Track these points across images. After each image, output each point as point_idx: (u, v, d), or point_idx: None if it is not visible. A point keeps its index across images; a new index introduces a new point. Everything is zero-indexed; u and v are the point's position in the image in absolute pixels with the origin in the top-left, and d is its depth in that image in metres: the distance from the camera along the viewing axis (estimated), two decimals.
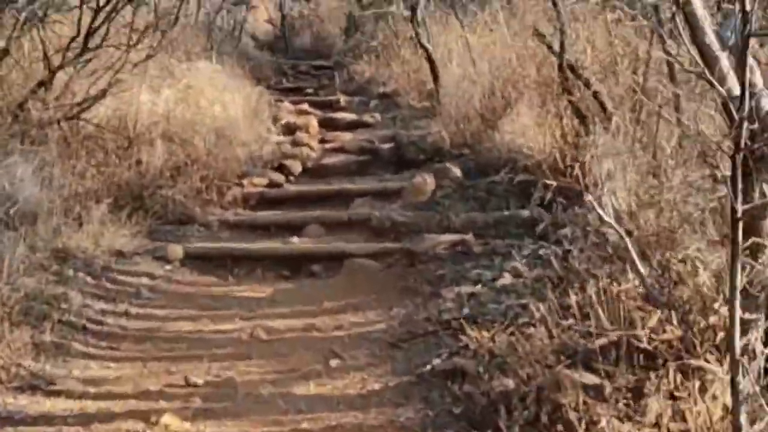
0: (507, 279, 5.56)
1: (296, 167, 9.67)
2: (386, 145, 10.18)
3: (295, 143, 10.37)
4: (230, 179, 8.95)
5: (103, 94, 8.72)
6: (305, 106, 13.98)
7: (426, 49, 11.79)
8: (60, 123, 8.46)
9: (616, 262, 4.91)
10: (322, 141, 10.84)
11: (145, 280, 6.55)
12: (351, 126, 12.32)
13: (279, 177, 9.22)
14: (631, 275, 4.59)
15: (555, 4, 7.76)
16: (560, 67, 7.84)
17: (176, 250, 7.01)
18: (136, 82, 9.55)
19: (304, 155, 9.95)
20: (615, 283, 4.61)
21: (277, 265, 6.85)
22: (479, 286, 5.54)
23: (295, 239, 7.38)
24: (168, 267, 6.87)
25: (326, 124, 12.30)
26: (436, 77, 11.74)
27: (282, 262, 6.85)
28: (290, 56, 19.06)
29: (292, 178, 9.56)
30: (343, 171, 9.63)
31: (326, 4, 20.41)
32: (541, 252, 6.02)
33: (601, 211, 3.91)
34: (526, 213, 6.90)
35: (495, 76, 10.26)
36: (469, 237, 6.34)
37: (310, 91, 15.88)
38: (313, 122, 11.27)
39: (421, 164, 9.48)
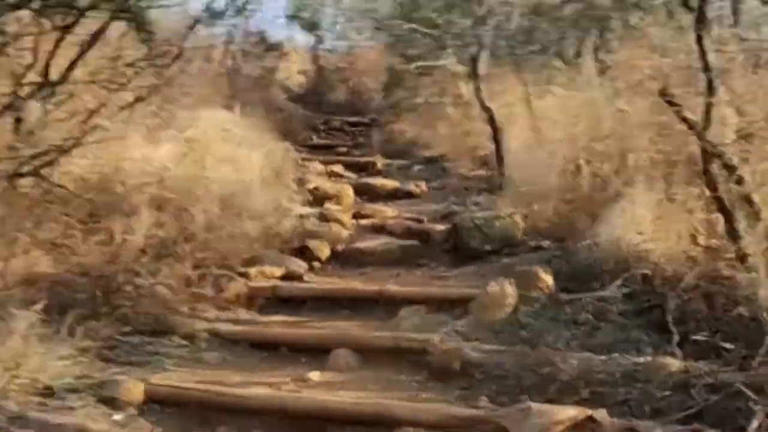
0: None
1: (323, 251, 7.07)
2: (439, 227, 7.57)
3: (324, 217, 7.79)
4: (234, 266, 6.37)
5: (74, 144, 6.24)
6: (337, 168, 11.50)
7: (488, 110, 9.24)
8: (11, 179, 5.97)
9: None
10: (358, 215, 8.24)
11: None
12: (392, 196, 9.78)
13: (299, 265, 6.62)
14: None
15: (701, 46, 5.17)
16: (702, 141, 5.26)
17: (134, 389, 4.37)
18: (127, 132, 7.14)
19: (335, 234, 7.36)
20: None
21: (286, 427, 4.17)
22: None
23: (314, 375, 4.70)
24: (118, 417, 4.23)
25: (362, 191, 9.77)
26: (498, 143, 9.18)
27: (292, 424, 4.17)
28: (323, 110, 16.64)
29: (317, 264, 6.96)
30: (383, 260, 7.02)
31: (365, 56, 17.98)
32: None
33: None
34: (674, 363, 4.23)
35: (582, 147, 7.68)
36: (603, 415, 3.66)
37: (343, 150, 13.39)
38: (347, 191, 8.70)
39: (486, 257, 6.86)
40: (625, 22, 10.70)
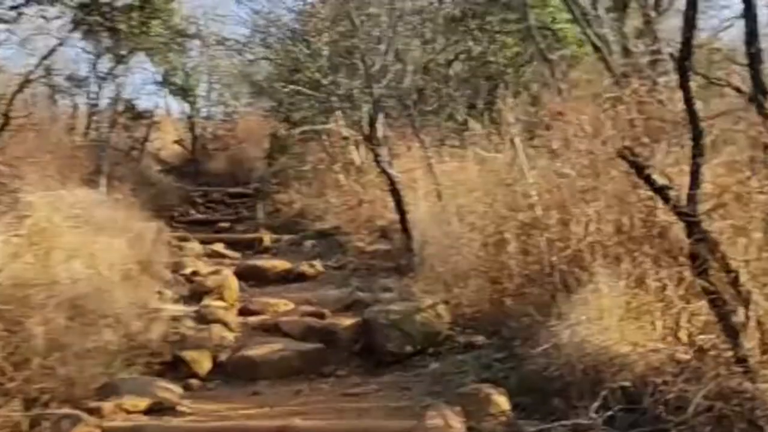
0: None
1: (203, 364, 5.44)
2: (345, 321, 6.05)
3: (203, 318, 6.14)
4: (83, 397, 4.67)
5: None
6: (219, 247, 9.90)
7: (389, 176, 7.85)
8: None
9: None
10: (244, 311, 6.62)
11: None
12: (283, 279, 8.24)
13: (170, 390, 4.91)
14: None
15: (687, 90, 3.87)
16: (686, 216, 3.96)
17: None
18: None
19: (217, 340, 5.74)
20: None
21: None
22: None
23: None
24: None
25: (248, 275, 8.19)
26: (402, 214, 7.78)
27: None
28: (201, 182, 14.98)
29: (195, 383, 5.30)
30: (280, 372, 5.42)
31: (245, 123, 16.45)
32: None
33: None
34: None
35: (501, 217, 6.36)
36: None
37: (225, 225, 11.77)
38: (231, 282, 7.00)
39: (407, 360, 5.40)
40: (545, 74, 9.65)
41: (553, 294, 4.93)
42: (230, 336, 5.91)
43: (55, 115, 12.29)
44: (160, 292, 6.55)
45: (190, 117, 15.75)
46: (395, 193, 7.78)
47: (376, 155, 7.81)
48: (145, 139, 13.40)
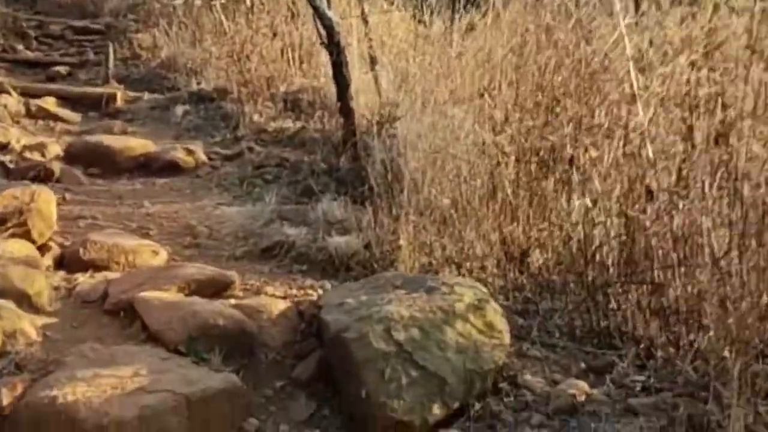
0: None
1: None
2: (272, 305, 2.76)
3: None
4: None
5: None
6: (50, 104, 6.27)
7: (325, 22, 4.39)
8: None
9: None
10: (70, 261, 3.09)
11: None
12: (143, 168, 4.83)
13: None
14: None
15: None
16: None
17: None
18: None
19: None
20: None
21: None
22: None
23: None
24: None
25: (89, 160, 4.79)
26: (344, 84, 4.40)
27: None
28: (39, 10, 10.72)
29: None
30: None
31: None
32: None
33: None
34: None
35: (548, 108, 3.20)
36: None
37: (63, 70, 7.82)
38: (43, 199, 3.26)
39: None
40: None
41: None
42: (32, 332, 2.50)
43: None
44: None
45: None
46: (334, 48, 4.37)
47: None
48: None
